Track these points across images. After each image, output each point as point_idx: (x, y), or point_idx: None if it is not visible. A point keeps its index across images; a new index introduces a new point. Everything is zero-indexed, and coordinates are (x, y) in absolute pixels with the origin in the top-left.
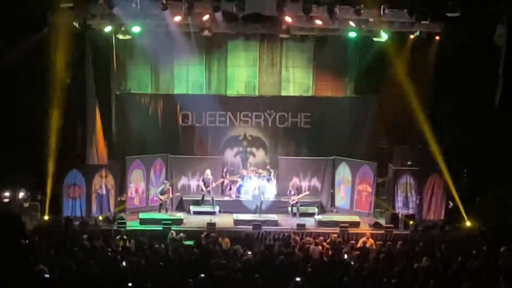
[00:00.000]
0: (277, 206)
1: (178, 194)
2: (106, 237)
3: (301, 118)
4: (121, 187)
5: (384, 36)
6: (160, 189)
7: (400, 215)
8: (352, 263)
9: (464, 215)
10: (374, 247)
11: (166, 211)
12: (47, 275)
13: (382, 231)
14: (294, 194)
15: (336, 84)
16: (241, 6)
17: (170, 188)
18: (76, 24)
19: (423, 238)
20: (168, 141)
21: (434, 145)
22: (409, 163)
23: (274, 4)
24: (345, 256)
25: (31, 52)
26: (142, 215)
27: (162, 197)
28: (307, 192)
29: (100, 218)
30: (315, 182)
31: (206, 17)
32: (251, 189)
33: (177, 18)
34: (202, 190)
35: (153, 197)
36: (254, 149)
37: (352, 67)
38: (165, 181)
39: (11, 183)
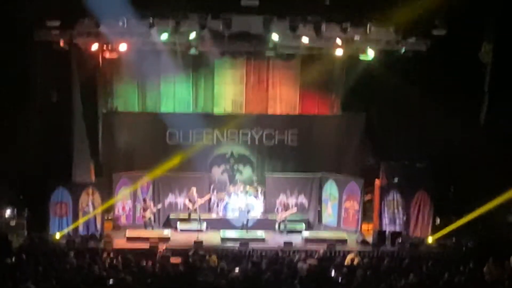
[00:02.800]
0: (264, 223)
1: (159, 206)
2: (93, 255)
3: (288, 135)
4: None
5: (370, 54)
6: (141, 206)
7: (387, 232)
8: (340, 280)
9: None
10: (361, 264)
11: (152, 228)
12: None
13: (369, 248)
14: (281, 211)
15: (323, 101)
16: (228, 24)
17: (151, 203)
18: (62, 42)
19: (410, 254)
20: (155, 159)
21: None
22: (395, 179)
23: (260, 22)
24: (333, 273)
25: (16, 70)
26: (129, 233)
27: (144, 214)
28: (294, 209)
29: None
30: (302, 199)
31: (192, 35)
32: (237, 207)
33: (164, 36)
34: (188, 208)
35: (140, 215)
36: (241, 167)
37: (339, 85)
38: (145, 196)
39: None
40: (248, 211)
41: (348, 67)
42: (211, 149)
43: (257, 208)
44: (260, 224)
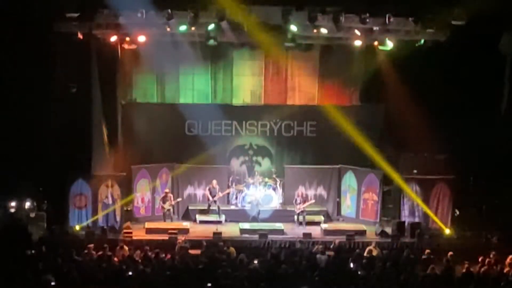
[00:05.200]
0: (283, 215)
1: (179, 199)
2: (112, 247)
3: (306, 126)
4: (128, 196)
5: (389, 45)
6: (161, 197)
7: (406, 224)
8: (359, 271)
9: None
10: (380, 255)
11: (171, 219)
12: (53, 284)
13: (389, 240)
14: (300, 203)
15: (342, 92)
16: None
17: (171, 195)
18: (81, 33)
19: (429, 246)
20: (174, 150)
21: None
22: (415, 171)
23: (279, 13)
24: (352, 265)
25: (36, 61)
26: (148, 225)
27: (164, 205)
28: (313, 201)
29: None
30: (321, 190)
31: (211, 26)
32: (249, 199)
33: (183, 28)
34: (208, 199)
35: (159, 206)
36: (260, 158)
37: (358, 76)
38: (166, 189)
39: (17, 193)
40: (259, 203)
41: (367, 58)
42: (229, 140)
43: (270, 200)
44: (279, 215)
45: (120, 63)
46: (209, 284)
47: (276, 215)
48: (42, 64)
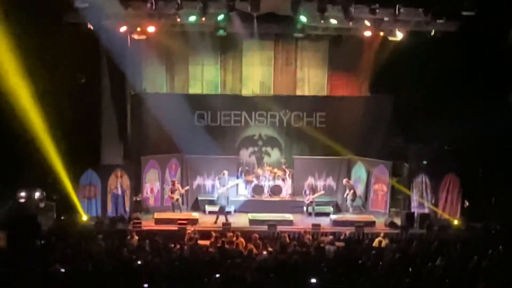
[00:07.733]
0: (293, 206)
1: (187, 187)
2: (121, 237)
3: (316, 117)
4: (137, 187)
5: (399, 35)
6: (169, 187)
7: (415, 215)
8: (368, 262)
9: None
10: (389, 246)
11: (180, 210)
12: (62, 275)
13: (398, 231)
14: (309, 194)
15: (351, 83)
16: (256, 6)
17: (179, 185)
18: (91, 23)
19: (438, 237)
20: (183, 141)
21: None
22: (424, 162)
23: (289, 4)
24: (361, 256)
25: (45, 52)
26: (157, 215)
27: (173, 195)
28: (322, 192)
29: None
30: (330, 181)
31: (221, 17)
32: (220, 191)
33: (192, 18)
34: (218, 189)
35: (168, 196)
36: (269, 149)
37: (367, 66)
38: (174, 179)
39: (27, 183)
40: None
41: (376, 49)
42: (239, 131)
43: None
44: (288, 206)
45: (130, 53)
46: (218, 275)
47: (286, 206)
48: (51, 54)
